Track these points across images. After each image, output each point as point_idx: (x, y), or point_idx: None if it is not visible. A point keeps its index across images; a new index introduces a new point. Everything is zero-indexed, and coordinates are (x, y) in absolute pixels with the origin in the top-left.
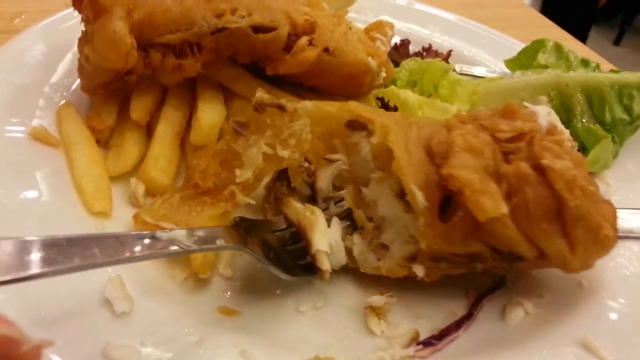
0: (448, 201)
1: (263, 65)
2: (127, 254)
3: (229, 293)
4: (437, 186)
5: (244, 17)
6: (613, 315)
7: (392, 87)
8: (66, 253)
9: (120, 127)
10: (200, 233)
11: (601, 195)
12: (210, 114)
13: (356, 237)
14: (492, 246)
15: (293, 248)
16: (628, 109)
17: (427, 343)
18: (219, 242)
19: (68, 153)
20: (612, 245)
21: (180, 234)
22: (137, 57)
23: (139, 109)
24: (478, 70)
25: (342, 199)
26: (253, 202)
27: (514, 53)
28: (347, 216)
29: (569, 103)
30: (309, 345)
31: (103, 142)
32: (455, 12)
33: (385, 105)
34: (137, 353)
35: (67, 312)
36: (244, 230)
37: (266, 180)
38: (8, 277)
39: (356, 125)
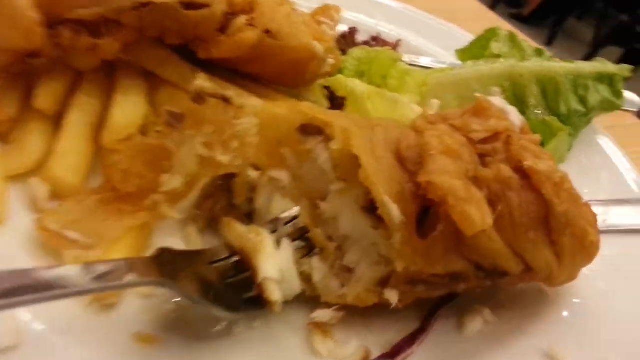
0: (424, 213)
1: (194, 48)
2: None
3: (145, 315)
4: (413, 196)
5: None
6: (579, 320)
7: (340, 76)
8: None
9: (23, 117)
10: (101, 268)
11: (580, 197)
12: (126, 110)
13: (315, 261)
14: (476, 262)
15: (236, 280)
16: (583, 100)
17: None
18: (129, 277)
19: None
20: (596, 252)
21: (72, 271)
22: (44, 35)
23: (46, 95)
24: (425, 61)
25: (293, 219)
26: (179, 217)
27: (463, 44)
28: (301, 237)
29: (523, 94)
30: None
31: (2, 135)
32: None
33: (333, 96)
34: None
35: None
36: (171, 265)
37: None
38: None
39: (310, 129)
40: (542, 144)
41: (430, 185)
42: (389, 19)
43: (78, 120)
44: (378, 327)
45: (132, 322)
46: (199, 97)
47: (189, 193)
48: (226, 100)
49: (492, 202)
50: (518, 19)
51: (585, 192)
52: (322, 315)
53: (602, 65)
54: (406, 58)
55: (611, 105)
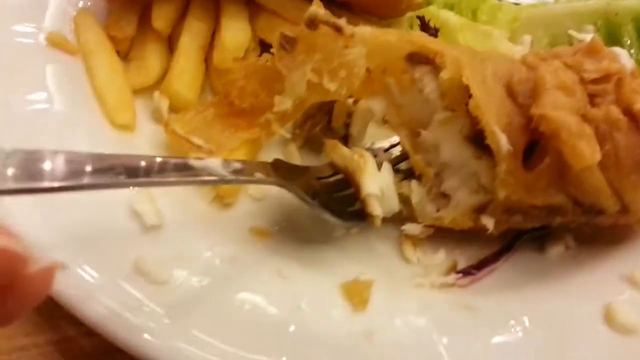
0: (531, 147)
1: None
2: (158, 179)
3: (259, 214)
4: (522, 129)
5: None
6: None
7: (433, 6)
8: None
9: (140, 38)
10: (237, 165)
11: None
12: (235, 32)
13: (414, 184)
14: (575, 198)
15: (340, 195)
16: None
17: (466, 272)
18: (258, 175)
19: (87, 62)
20: None
21: (215, 163)
22: None
23: (161, 17)
24: None
25: (392, 146)
26: (288, 136)
27: None
28: (401, 162)
29: (617, 33)
30: (344, 269)
31: (123, 53)
32: None
33: (425, 26)
34: (168, 268)
35: (94, 224)
36: (287, 172)
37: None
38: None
39: (419, 58)
40: None
41: (544, 118)
42: None
43: (191, 43)
44: (466, 244)
45: (249, 218)
46: (312, 23)
47: (296, 114)
48: (338, 28)
49: (599, 142)
50: None
51: None
52: (413, 228)
53: None
54: None
55: None
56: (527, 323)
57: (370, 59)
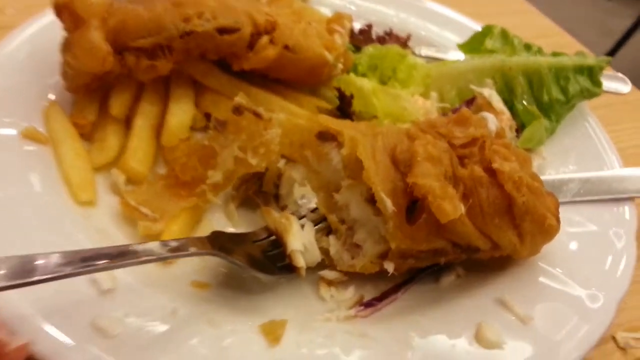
0: (414, 204)
1: (229, 62)
2: (109, 263)
3: (200, 269)
4: (403, 192)
5: (209, 20)
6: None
7: (351, 75)
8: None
9: (101, 121)
10: (173, 243)
11: (544, 190)
12: (179, 116)
13: (331, 238)
14: (453, 242)
15: (274, 253)
16: (564, 90)
17: (368, 304)
18: (192, 249)
19: (56, 149)
20: (555, 232)
21: (154, 245)
22: (114, 60)
23: (118, 105)
24: (433, 52)
25: (316, 209)
26: (219, 203)
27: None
28: (321, 221)
29: (511, 85)
30: (269, 311)
31: (86, 136)
32: None
33: (342, 95)
34: (121, 322)
35: (59, 291)
36: (223, 243)
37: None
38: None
39: (326, 136)
40: (521, 128)
41: (415, 185)
42: (406, 10)
43: (144, 124)
44: (376, 279)
45: (191, 273)
46: (238, 110)
47: (228, 184)
48: (257, 114)
49: (466, 196)
50: None
51: (569, 169)
52: (329, 274)
53: (582, 58)
54: (423, 52)
55: (590, 94)
56: (414, 345)
57: (286, 137)
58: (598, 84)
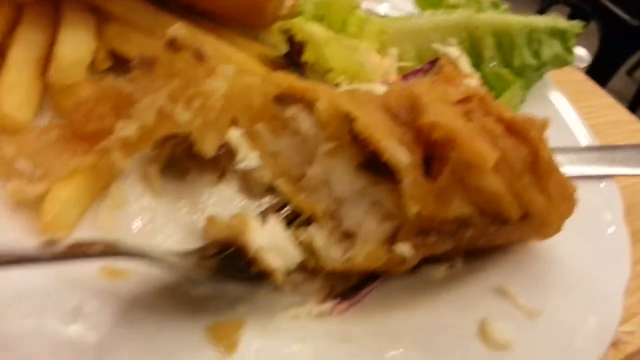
0: (427, 162)
1: None
2: None
3: None
4: (414, 144)
5: None
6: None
7: (299, 19)
8: None
9: None
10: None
11: None
12: (72, 47)
13: (312, 228)
14: (480, 208)
15: (238, 265)
16: (536, 54)
17: (344, 296)
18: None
19: None
20: (575, 203)
21: None
22: None
23: None
24: (383, 9)
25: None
26: (126, 168)
27: None
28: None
29: (479, 46)
30: (213, 308)
31: None
32: None
33: (291, 40)
34: None
35: None
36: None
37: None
38: None
39: (288, 99)
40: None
41: (435, 125)
42: None
43: (24, 55)
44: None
45: None
46: (173, 46)
47: (143, 144)
48: (200, 56)
49: None
50: None
51: None
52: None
53: (554, 20)
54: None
55: (562, 61)
56: (405, 345)
57: (231, 98)
58: (570, 51)
